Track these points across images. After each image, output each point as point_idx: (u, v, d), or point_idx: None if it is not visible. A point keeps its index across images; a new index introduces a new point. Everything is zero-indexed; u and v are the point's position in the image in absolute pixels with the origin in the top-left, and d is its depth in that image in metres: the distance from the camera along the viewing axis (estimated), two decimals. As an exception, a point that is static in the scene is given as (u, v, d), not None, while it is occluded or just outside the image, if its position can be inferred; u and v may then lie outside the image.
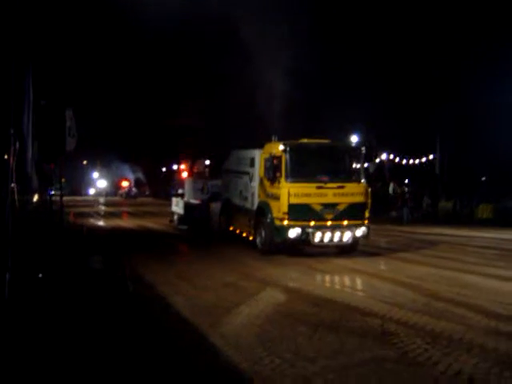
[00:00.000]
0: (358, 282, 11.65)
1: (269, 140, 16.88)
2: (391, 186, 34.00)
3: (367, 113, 46.27)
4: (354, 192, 15.49)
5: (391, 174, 46.77)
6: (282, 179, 15.14)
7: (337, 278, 12.42)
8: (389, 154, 50.64)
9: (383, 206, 36.12)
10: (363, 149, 16.62)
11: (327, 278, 12.47)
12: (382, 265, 14.20)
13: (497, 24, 43.20)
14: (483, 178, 57.84)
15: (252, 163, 17.55)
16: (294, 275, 12.44)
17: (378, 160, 47.25)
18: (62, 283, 9.17)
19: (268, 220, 15.60)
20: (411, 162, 51.65)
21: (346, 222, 15.25)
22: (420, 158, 50.14)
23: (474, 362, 6.35)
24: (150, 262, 13.94)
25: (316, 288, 10.86)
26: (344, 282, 11.97)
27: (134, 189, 71.57)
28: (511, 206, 34.61)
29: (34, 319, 7.55)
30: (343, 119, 44.37)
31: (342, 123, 43.98)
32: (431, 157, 45.23)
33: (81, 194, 71.62)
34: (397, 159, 52.27)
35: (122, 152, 71.89)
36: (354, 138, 42.93)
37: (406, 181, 39.20)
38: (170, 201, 29.13)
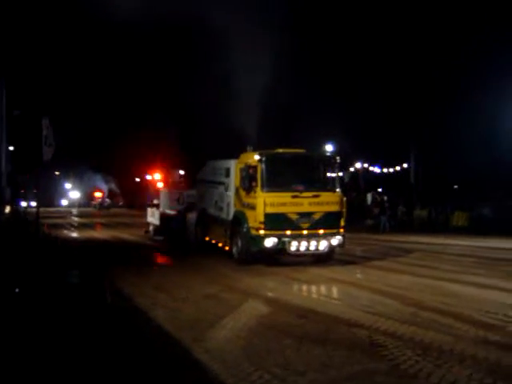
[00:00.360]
0: (340, 292, 11.46)
1: (244, 150, 16.86)
2: (370, 195, 34.09)
3: (342, 122, 46.52)
4: (329, 201, 15.50)
5: (366, 183, 47.02)
6: (258, 189, 15.11)
7: (317, 288, 12.26)
8: (363, 163, 50.94)
9: (358, 214, 36.26)
10: (338, 158, 16.68)
11: (308, 288, 12.29)
12: (361, 274, 14.11)
13: (469, 36, 43.87)
14: (455, 186, 58.61)
15: (227, 173, 17.50)
16: (273, 286, 12.28)
17: (352, 169, 47.49)
18: (39, 298, 8.82)
19: (244, 230, 15.53)
20: (385, 170, 52.07)
21: (321, 231, 15.24)
22: (394, 167, 50.56)
23: (467, 373, 6.21)
24: (128, 275, 13.62)
25: (297, 298, 10.69)
26: (325, 292, 11.83)
27: (107, 199, 70.86)
28: (485, 213, 35.03)
29: (10, 335, 7.21)
30: (318, 129, 44.53)
31: (317, 133, 44.13)
32: (405, 165, 45.62)
33: (53, 205, 70.45)
34: (371, 168, 52.63)
35: (94, 162, 71.08)
36: (329, 148, 42.99)
37: (379, 190, 39.42)
38: (145, 211, 28.78)
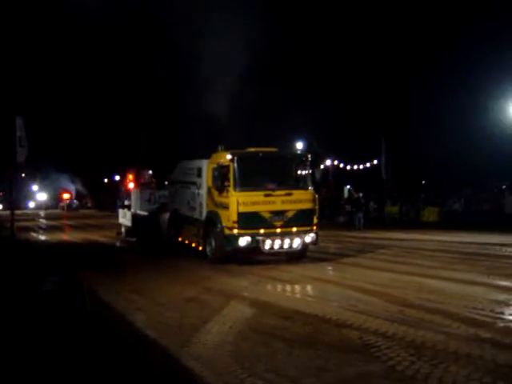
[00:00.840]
0: (321, 291, 11.23)
1: (215, 150, 16.70)
2: (347, 191, 34.12)
3: (310, 120, 46.59)
4: (302, 199, 15.50)
5: (336, 180, 47.13)
6: (231, 188, 15.02)
7: (298, 288, 12.07)
8: (333, 160, 51.03)
9: (330, 211, 36.34)
10: (309, 156, 16.66)
11: (288, 287, 12.07)
12: (340, 272, 13.95)
13: (440, 29, 44.31)
14: (423, 182, 59.28)
15: (199, 173, 17.36)
16: (252, 286, 12.05)
17: (322, 166, 47.51)
18: (14, 306, 8.43)
19: (218, 229, 15.46)
20: (355, 167, 52.28)
21: (295, 229, 15.26)
22: (364, 163, 50.79)
23: (464, 372, 6.07)
24: (104, 279, 13.23)
25: (280, 299, 10.48)
26: (307, 292, 11.61)
27: (75, 201, 69.70)
28: (455, 208, 35.52)
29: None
30: (286, 127, 44.48)
31: (286, 131, 44.08)
32: (375, 162, 45.81)
33: (20, 208, 68.99)
34: (341, 165, 52.77)
35: (61, 163, 69.80)
36: (299, 145, 42.97)
37: (348, 186, 39.51)
38: (116, 212, 28.31)
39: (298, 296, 11.06)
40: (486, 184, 42.62)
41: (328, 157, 49.55)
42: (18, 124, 10.11)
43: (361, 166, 51.01)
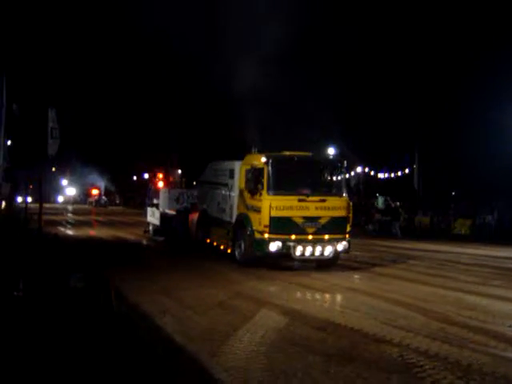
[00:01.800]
0: (356, 302, 10.75)
1: (248, 152, 16.36)
2: (381, 199, 33.47)
3: (342, 126, 46.03)
4: (335, 206, 15.11)
5: (366, 188, 46.45)
6: (264, 191, 14.67)
7: (331, 297, 11.65)
8: (364, 168, 50.30)
9: (359, 219, 35.70)
10: (345, 162, 16.20)
11: (321, 296, 11.66)
12: (373, 282, 13.45)
13: (477, 42, 43.43)
14: (453, 193, 58.11)
15: (231, 175, 17.01)
16: (283, 293, 11.68)
17: (353, 173, 46.87)
18: (41, 303, 8.15)
19: (248, 233, 15.13)
20: (386, 175, 51.44)
21: (327, 236, 14.88)
22: (395, 172, 49.93)
23: (519, 402, 5.61)
24: (132, 277, 12.92)
25: (313, 308, 10.06)
26: (340, 302, 11.15)
27: (103, 197, 70.01)
28: (488, 221, 34.56)
29: (12, 344, 6.56)
30: (317, 132, 43.97)
31: (317, 136, 43.57)
32: (407, 171, 45.01)
33: (48, 202, 69.63)
34: (372, 173, 52.01)
35: (91, 159, 70.30)
36: (331, 151, 42.42)
37: (380, 195, 38.83)
38: (145, 210, 28.12)
39: (330, 306, 10.62)
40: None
41: (359, 164, 48.88)
42: (50, 115, 9.87)
43: (392, 175, 50.13)
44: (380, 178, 50.78)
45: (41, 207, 11.00)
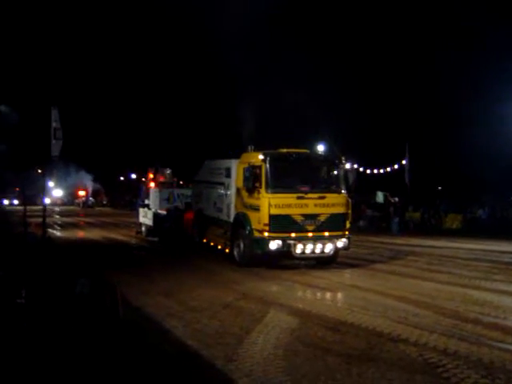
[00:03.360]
0: (364, 300, 10.57)
1: (244, 150, 16.18)
2: (381, 195, 33.32)
3: (330, 122, 45.97)
4: (334, 203, 14.97)
5: (357, 184, 46.32)
6: (262, 190, 14.49)
7: (337, 296, 11.49)
8: (352, 164, 50.22)
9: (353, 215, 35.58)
10: (343, 159, 16.08)
11: (327, 295, 11.51)
12: (377, 279, 13.31)
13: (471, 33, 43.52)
14: (439, 188, 58.33)
15: (228, 173, 16.79)
16: (288, 292, 11.51)
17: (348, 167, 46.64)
18: (45, 311, 7.90)
19: (247, 232, 14.95)
20: (375, 171, 51.44)
21: (327, 233, 14.77)
22: (384, 168, 49.95)
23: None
24: (132, 280, 12.68)
25: (321, 308, 9.88)
26: (348, 300, 10.89)
27: (91, 198, 69.40)
28: (479, 215, 34.66)
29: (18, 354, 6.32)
30: (305, 129, 43.91)
31: (305, 133, 43.50)
32: (396, 166, 44.96)
33: (35, 204, 68.89)
34: (360, 169, 51.98)
35: (77, 160, 69.58)
36: (321, 148, 42.24)
37: (377, 191, 38.73)
38: (136, 211, 27.85)
39: (339, 305, 10.43)
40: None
41: (347, 160, 48.79)
42: (53, 115, 9.57)
43: (381, 171, 50.12)
44: (369, 174, 50.78)
45: (44, 210, 10.71)
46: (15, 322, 7.45)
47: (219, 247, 16.94)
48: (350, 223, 15.85)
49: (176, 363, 6.71)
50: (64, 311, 7.80)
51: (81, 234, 28.34)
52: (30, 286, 8.91)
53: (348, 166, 50.97)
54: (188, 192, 23.75)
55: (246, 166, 15.15)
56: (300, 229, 14.47)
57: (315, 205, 14.65)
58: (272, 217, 14.26)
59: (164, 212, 23.10)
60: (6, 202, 43.62)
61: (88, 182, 73.22)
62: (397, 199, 31.25)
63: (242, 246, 15.23)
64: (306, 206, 14.56)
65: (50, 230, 29.04)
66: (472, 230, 30.02)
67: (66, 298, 8.37)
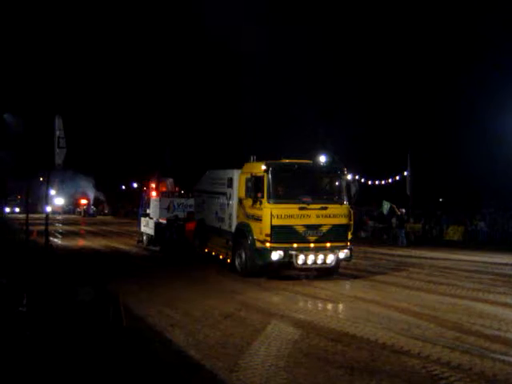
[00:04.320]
0: (366, 312, 10.55)
1: (246, 160, 16.17)
2: (387, 205, 33.19)
3: (331, 133, 46.07)
4: (336, 213, 14.95)
5: (359, 195, 46.27)
6: (264, 200, 14.48)
7: (340, 307, 11.47)
8: (354, 175, 50.21)
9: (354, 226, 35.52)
10: (345, 169, 16.06)
11: (329, 306, 11.52)
12: (378, 290, 13.27)
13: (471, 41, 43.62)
14: (440, 200, 58.27)
15: (230, 183, 16.76)
16: (290, 303, 11.48)
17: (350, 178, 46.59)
18: (47, 318, 7.88)
19: (249, 242, 14.93)
20: (377, 182, 51.43)
21: (329, 244, 14.72)
22: (386, 179, 49.95)
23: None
24: (134, 289, 12.67)
25: (323, 319, 9.87)
26: (350, 312, 10.88)
27: (92, 207, 69.34)
28: (480, 228, 34.58)
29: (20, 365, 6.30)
30: (307, 140, 43.96)
31: (306, 144, 43.56)
32: (397, 178, 44.97)
33: (37, 212, 68.97)
34: (362, 180, 51.98)
35: (78, 168, 69.62)
36: (322, 159, 42.24)
37: (383, 201, 38.68)
38: (138, 220, 27.82)
39: (341, 316, 10.39)
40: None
41: (349, 171, 48.79)
42: (57, 123, 9.59)
43: (382, 182, 50.10)
44: (371, 185, 50.78)
45: (47, 218, 10.71)
46: (17, 330, 7.43)
47: (221, 257, 16.89)
48: (352, 234, 15.82)
49: (178, 374, 6.69)
50: (66, 320, 7.78)
51: (83, 242, 28.32)
52: (32, 294, 8.88)
53: (350, 177, 51.07)
54: (188, 201, 23.78)
55: (248, 176, 15.14)
56: (302, 239, 14.45)
57: (317, 215, 14.64)
58: (274, 227, 14.25)
59: (164, 221, 23.10)
60: (7, 209, 43.65)
61: (89, 190, 73.23)
62: (404, 210, 31.13)
63: (243, 256, 15.20)
64: (308, 216, 14.54)
65: (51, 239, 29.09)
66: (473, 241, 29.99)
67: (68, 307, 8.35)
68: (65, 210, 71.73)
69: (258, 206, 14.67)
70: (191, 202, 23.41)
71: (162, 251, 22.55)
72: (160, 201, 24.82)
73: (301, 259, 14.30)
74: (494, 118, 39.20)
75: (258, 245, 14.54)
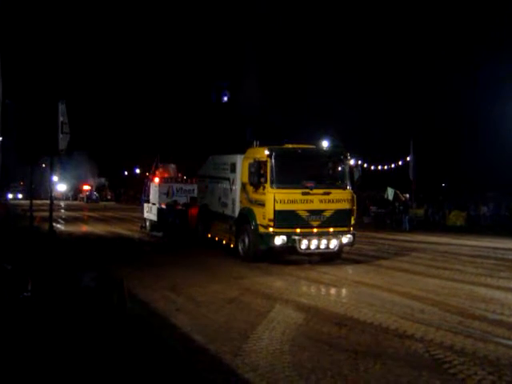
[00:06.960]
0: (370, 296, 10.56)
1: (249, 145, 16.14)
2: (391, 191, 33.18)
3: (334, 118, 45.94)
4: (339, 198, 14.97)
5: (362, 181, 46.22)
6: (267, 185, 14.49)
7: (343, 291, 11.51)
8: (356, 160, 50.11)
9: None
10: (348, 154, 16.04)
11: (332, 291, 11.54)
12: (382, 275, 13.30)
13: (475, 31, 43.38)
14: (443, 185, 58.17)
15: (233, 169, 16.74)
16: (293, 288, 11.52)
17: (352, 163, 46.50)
18: (51, 304, 7.93)
19: (252, 227, 14.97)
20: (379, 167, 51.33)
21: (332, 229, 14.78)
22: (388, 164, 49.85)
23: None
24: (138, 274, 12.69)
25: (327, 303, 9.92)
26: (353, 296, 10.88)
27: (95, 193, 69.40)
28: (483, 213, 34.58)
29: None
30: (309, 125, 43.86)
31: (309, 129, 43.45)
32: (400, 163, 44.88)
33: (40, 198, 69.13)
34: (365, 165, 51.87)
35: (81, 154, 69.60)
36: (325, 144, 42.14)
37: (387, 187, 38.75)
38: (141, 206, 27.84)
39: (344, 301, 10.42)
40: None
41: (352, 157, 48.70)
42: (60, 109, 9.57)
43: (385, 167, 49.99)
44: (373, 170, 50.70)
45: (51, 204, 10.72)
46: (22, 315, 7.47)
47: (224, 242, 16.94)
48: (355, 219, 15.83)
49: (183, 358, 6.73)
50: (70, 305, 7.82)
51: (86, 228, 28.40)
52: (37, 280, 8.93)
53: (352, 162, 50.98)
54: (187, 187, 23.84)
55: (252, 161, 15.12)
56: (305, 224, 14.50)
57: (320, 200, 14.67)
58: (277, 212, 14.28)
59: (165, 206, 23.18)
60: (10, 195, 43.71)
61: (92, 176, 73.32)
62: (407, 196, 31.15)
63: (246, 241, 15.24)
64: (311, 201, 14.57)
65: (54, 225, 29.16)
66: (476, 227, 30.02)
67: (72, 292, 8.39)
68: (66, 197, 71.86)
69: (261, 190, 14.70)
70: (190, 187, 23.49)
71: (164, 237, 22.59)
72: (159, 186, 24.83)
73: (304, 244, 14.35)
74: (498, 101, 39.07)
75: (261, 230, 14.58)
